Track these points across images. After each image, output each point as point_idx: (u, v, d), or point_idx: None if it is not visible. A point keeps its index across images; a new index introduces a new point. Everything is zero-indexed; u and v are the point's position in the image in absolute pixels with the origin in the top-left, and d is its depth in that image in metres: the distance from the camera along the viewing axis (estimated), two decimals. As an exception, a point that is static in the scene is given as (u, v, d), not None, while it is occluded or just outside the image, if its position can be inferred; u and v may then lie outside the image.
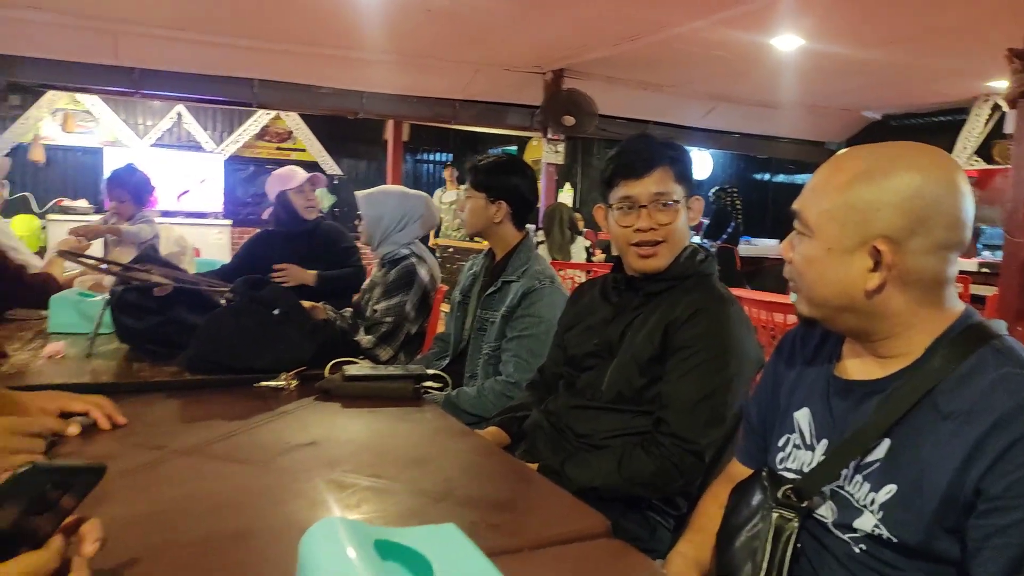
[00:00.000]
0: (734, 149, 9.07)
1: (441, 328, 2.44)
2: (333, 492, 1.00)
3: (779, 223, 10.72)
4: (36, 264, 2.69)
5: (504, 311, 1.99)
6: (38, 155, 7.72)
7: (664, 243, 1.43)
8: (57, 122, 7.90)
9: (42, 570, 0.61)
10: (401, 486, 1.04)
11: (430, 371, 1.75)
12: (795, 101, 7.11)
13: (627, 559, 0.87)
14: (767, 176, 11.41)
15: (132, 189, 3.52)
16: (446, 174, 8.94)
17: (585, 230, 6.94)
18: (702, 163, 10.40)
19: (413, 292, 2.50)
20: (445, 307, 2.75)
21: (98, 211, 7.52)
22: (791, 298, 1.02)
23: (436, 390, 1.93)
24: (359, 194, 2.68)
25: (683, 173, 1.46)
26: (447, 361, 2.19)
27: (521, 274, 2.03)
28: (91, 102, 7.81)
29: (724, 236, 7.88)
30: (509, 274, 2.05)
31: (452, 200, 8.28)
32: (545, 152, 6.54)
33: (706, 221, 8.14)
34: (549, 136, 6.41)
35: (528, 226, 2.21)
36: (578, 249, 6.46)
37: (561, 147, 6.53)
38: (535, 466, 1.36)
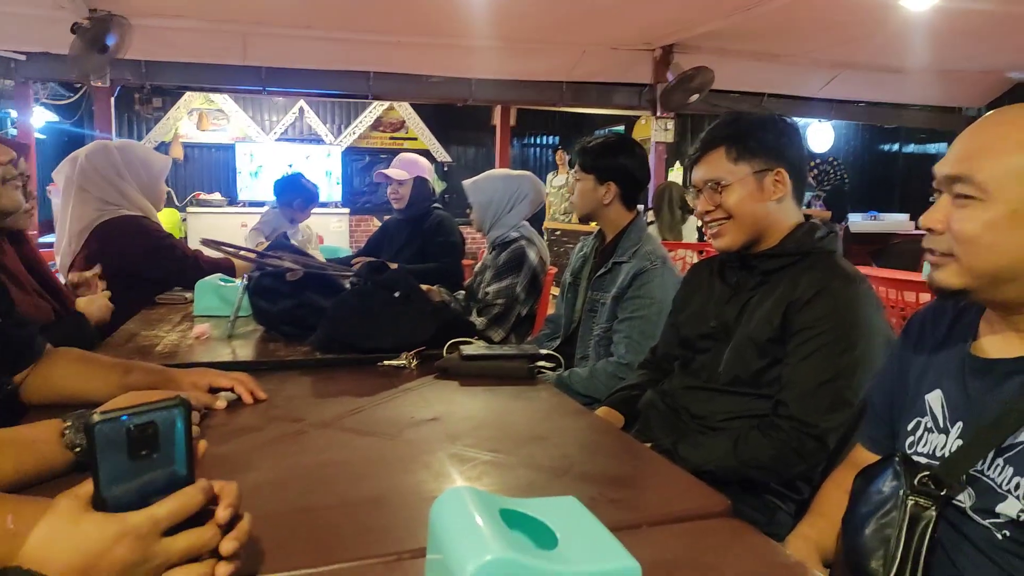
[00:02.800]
0: (859, 119, 8.52)
1: (551, 310, 2.47)
2: (456, 465, 1.05)
3: (909, 197, 10.03)
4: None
5: (615, 292, 1.99)
6: (178, 152, 8.39)
7: (729, 220, 1.43)
8: (193, 121, 8.53)
9: (206, 546, 0.65)
10: (519, 461, 1.07)
11: (543, 351, 1.78)
12: (927, 65, 6.58)
13: (747, 539, 0.86)
14: (896, 147, 10.67)
15: (302, 195, 3.98)
16: (557, 158, 8.96)
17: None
18: (822, 135, 9.86)
19: (523, 274, 2.54)
20: (555, 290, 2.78)
21: (231, 203, 8.09)
22: (923, 273, 0.96)
23: (549, 370, 1.96)
24: (466, 183, 2.74)
25: (747, 150, 1.41)
26: (558, 342, 2.22)
27: (632, 255, 2.02)
28: (223, 101, 8.38)
29: (847, 216, 7.47)
30: (620, 255, 2.05)
31: (562, 184, 8.29)
32: (654, 131, 6.40)
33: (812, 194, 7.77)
34: (658, 114, 6.28)
35: (639, 206, 2.19)
36: (689, 229, 6.31)
37: (671, 125, 6.37)
38: (648, 446, 1.37)
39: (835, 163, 7.68)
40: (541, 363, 1.66)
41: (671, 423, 1.50)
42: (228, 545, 0.65)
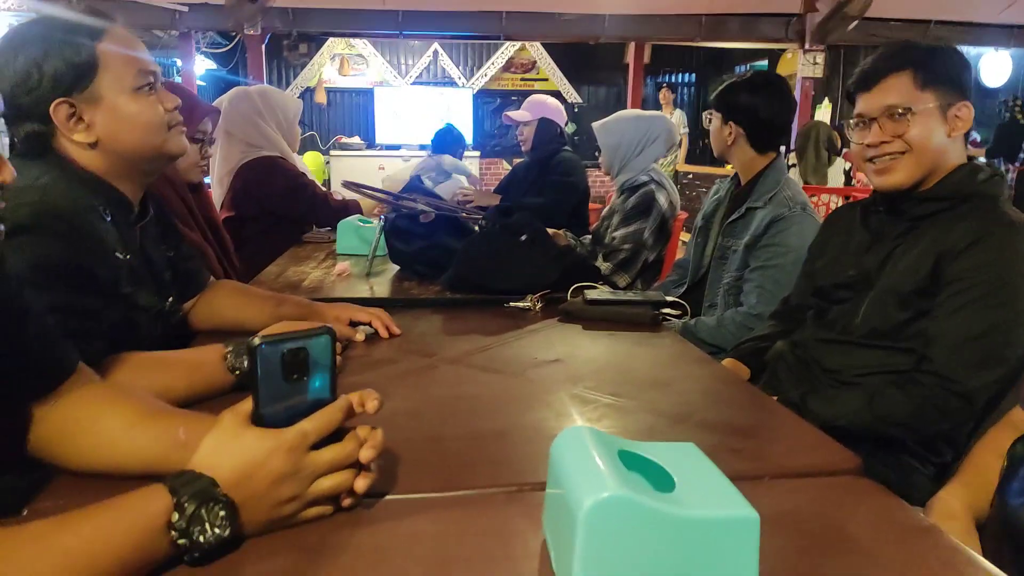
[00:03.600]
0: (1044, 47, 7.51)
1: (680, 256, 2.42)
2: (576, 405, 1.07)
3: (1102, 135, 8.79)
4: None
5: (748, 240, 1.92)
6: (321, 97, 8.81)
7: (905, 155, 1.29)
8: (335, 67, 8.88)
9: (348, 458, 0.71)
10: (640, 405, 1.08)
11: (669, 298, 1.76)
12: None
13: (877, 499, 0.83)
14: (1089, 78, 9.33)
15: (461, 143, 4.33)
16: (661, 96, 8.59)
17: (844, 150, 6.28)
18: (998, 66, 8.78)
19: (651, 219, 2.49)
20: (685, 236, 2.71)
21: (369, 146, 8.41)
22: None
23: (674, 317, 1.94)
24: (595, 125, 2.69)
25: (936, 77, 1.28)
26: (684, 289, 2.18)
27: (768, 200, 1.93)
28: (362, 46, 8.65)
29: (1022, 156, 6.69)
30: (754, 200, 1.96)
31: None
32: (801, 65, 5.97)
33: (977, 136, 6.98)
34: (806, 47, 5.83)
35: (780, 147, 2.08)
36: (836, 171, 5.90)
37: (820, 58, 5.90)
38: (774, 398, 1.33)
39: (1008, 101, 6.86)
40: (666, 310, 1.64)
41: (801, 375, 1.44)
42: (366, 453, 0.72)
